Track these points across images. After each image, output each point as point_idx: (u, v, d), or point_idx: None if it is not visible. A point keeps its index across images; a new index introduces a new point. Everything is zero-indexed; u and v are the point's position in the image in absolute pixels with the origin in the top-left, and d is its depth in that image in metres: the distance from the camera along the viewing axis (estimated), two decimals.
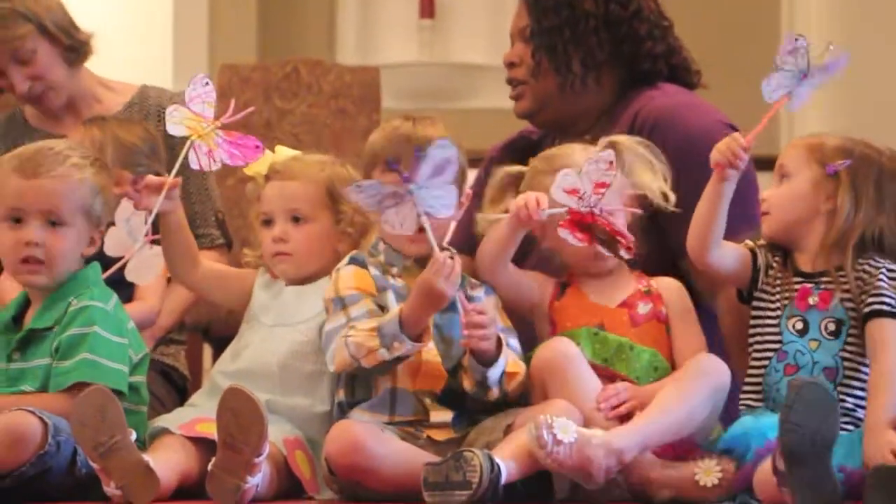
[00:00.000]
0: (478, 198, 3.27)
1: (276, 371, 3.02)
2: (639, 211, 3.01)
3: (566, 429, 2.72)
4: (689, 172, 3.05)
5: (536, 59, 3.39)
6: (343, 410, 2.94)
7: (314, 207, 3.10)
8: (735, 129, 3.21)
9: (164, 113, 3.07)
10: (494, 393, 2.89)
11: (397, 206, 2.82)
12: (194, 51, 6.73)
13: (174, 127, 3.00)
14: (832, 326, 2.90)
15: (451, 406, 2.91)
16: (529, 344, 3.02)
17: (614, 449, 2.74)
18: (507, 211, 3.01)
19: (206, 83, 3.01)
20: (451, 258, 2.83)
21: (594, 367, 2.95)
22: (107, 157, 3.27)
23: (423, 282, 2.82)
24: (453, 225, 3.21)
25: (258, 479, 2.72)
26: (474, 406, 2.92)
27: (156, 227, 3.05)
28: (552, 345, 2.95)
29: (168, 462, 2.78)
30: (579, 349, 2.94)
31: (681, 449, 2.85)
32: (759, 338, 2.96)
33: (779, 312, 2.94)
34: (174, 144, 3.05)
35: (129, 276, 3.10)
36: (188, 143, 3.00)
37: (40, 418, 2.74)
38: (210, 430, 2.77)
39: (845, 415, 2.80)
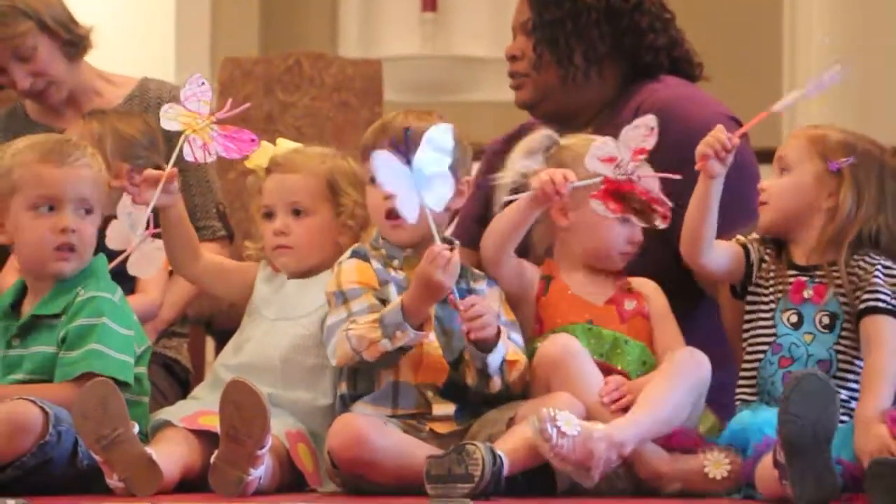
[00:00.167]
0: (480, 190, 3.28)
1: (278, 365, 3.02)
2: (677, 176, 2.95)
3: (570, 422, 2.72)
4: (691, 164, 3.05)
5: (538, 52, 3.38)
6: (345, 403, 2.94)
7: (315, 200, 3.10)
8: (737, 122, 3.21)
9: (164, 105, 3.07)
10: (496, 383, 2.88)
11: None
12: (197, 44, 6.73)
13: (169, 122, 3.01)
14: (826, 320, 2.90)
15: (454, 399, 2.91)
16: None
17: (615, 442, 2.75)
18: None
19: (203, 83, 3.02)
20: (451, 249, 2.83)
21: None
22: (106, 150, 3.29)
23: (420, 272, 2.83)
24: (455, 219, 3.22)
25: (261, 471, 2.73)
26: (476, 399, 2.93)
27: (157, 220, 3.06)
28: (555, 340, 2.94)
29: (171, 455, 2.78)
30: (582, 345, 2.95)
31: (688, 441, 2.85)
32: (753, 331, 2.96)
33: (773, 305, 2.94)
34: (173, 137, 3.06)
35: (132, 269, 3.11)
36: (183, 136, 3.00)
37: (41, 408, 2.74)
38: (213, 423, 2.78)
39: (840, 407, 2.80)
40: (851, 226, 2.91)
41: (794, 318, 2.92)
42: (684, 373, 2.89)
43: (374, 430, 2.78)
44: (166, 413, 2.97)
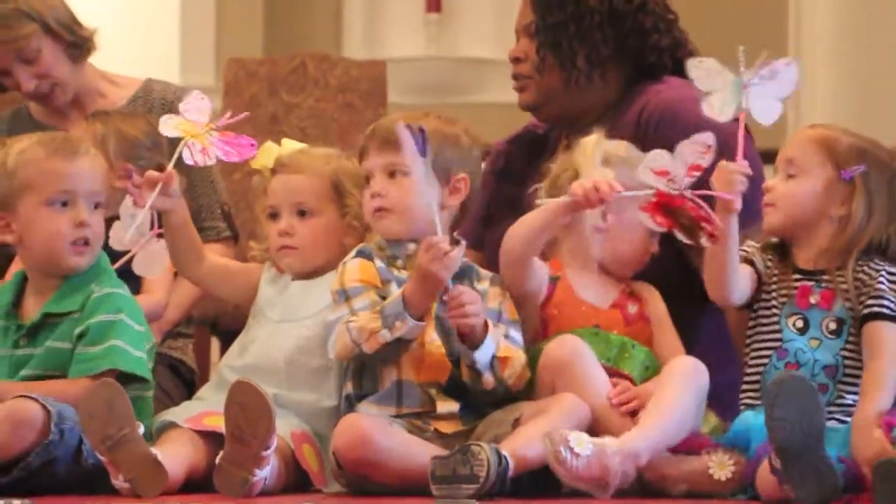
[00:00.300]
0: (483, 191, 3.28)
1: (282, 366, 3.02)
2: (730, 197, 2.83)
3: (581, 441, 2.71)
4: None
5: (541, 55, 3.38)
6: (351, 403, 2.94)
7: (320, 201, 3.10)
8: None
9: (168, 106, 3.07)
10: (489, 380, 2.87)
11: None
12: (201, 45, 6.75)
13: (169, 131, 3.01)
14: (833, 325, 2.90)
15: (457, 397, 2.91)
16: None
17: (630, 454, 2.74)
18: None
19: (202, 98, 3.03)
20: (457, 243, 2.83)
21: None
22: (109, 151, 3.29)
23: (418, 265, 2.84)
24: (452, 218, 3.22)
25: (266, 472, 2.73)
26: (480, 398, 2.92)
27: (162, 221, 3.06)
28: (561, 342, 2.94)
29: (176, 455, 2.79)
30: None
31: (693, 443, 2.85)
32: (758, 336, 2.95)
33: (777, 310, 2.93)
34: (175, 139, 3.06)
35: (137, 269, 3.11)
36: (182, 141, 3.01)
37: (42, 405, 2.75)
38: (218, 424, 2.78)
39: (846, 411, 2.82)
40: (863, 235, 2.90)
41: (799, 323, 2.92)
42: (689, 381, 2.89)
43: (378, 431, 2.79)
44: (171, 414, 2.97)
